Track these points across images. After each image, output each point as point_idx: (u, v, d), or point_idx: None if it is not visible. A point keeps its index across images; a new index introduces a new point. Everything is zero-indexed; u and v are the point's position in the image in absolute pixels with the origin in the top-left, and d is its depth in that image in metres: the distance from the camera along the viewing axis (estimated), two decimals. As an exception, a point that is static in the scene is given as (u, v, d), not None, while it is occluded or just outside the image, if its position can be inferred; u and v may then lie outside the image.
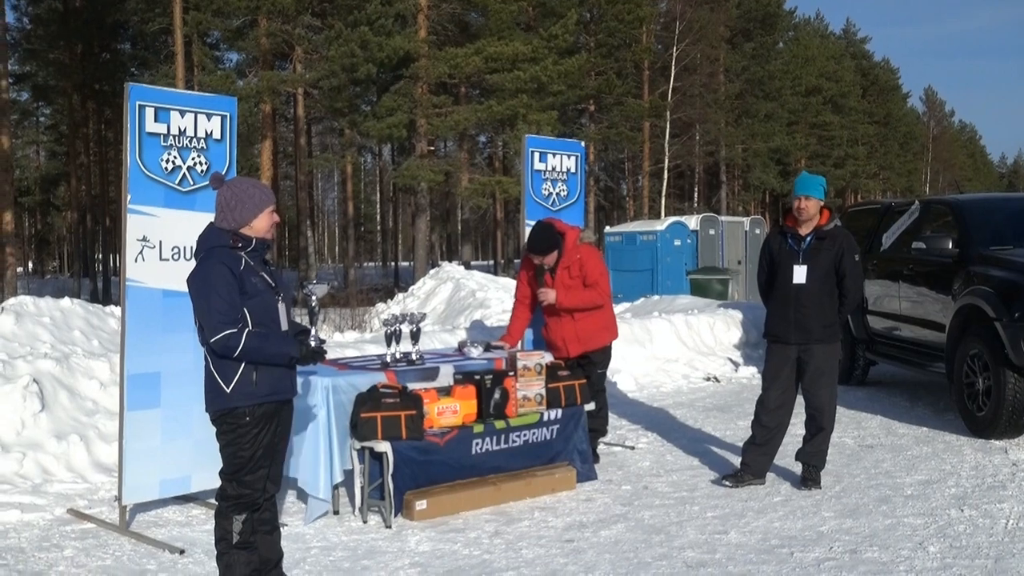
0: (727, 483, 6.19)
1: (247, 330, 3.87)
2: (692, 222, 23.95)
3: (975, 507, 5.67)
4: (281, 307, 4.08)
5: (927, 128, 77.07)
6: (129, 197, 5.31)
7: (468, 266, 24.73)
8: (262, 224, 4.06)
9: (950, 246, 8.31)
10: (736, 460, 6.80)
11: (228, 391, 3.95)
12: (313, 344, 4.14)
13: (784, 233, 6.18)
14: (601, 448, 7.05)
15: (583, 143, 8.67)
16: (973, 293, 7.77)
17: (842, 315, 6.23)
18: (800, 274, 5.99)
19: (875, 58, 68.57)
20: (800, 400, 6.21)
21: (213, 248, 4.02)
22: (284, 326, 4.07)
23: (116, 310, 9.84)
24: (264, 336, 3.93)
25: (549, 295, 6.48)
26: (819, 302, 5.99)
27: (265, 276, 4.05)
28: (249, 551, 4.07)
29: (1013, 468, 6.59)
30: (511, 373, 6.16)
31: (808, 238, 6.02)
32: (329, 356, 6.55)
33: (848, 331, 10.08)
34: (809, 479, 6.13)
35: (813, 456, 6.15)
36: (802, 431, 6.27)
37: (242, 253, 4.00)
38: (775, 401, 6.14)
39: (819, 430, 6.11)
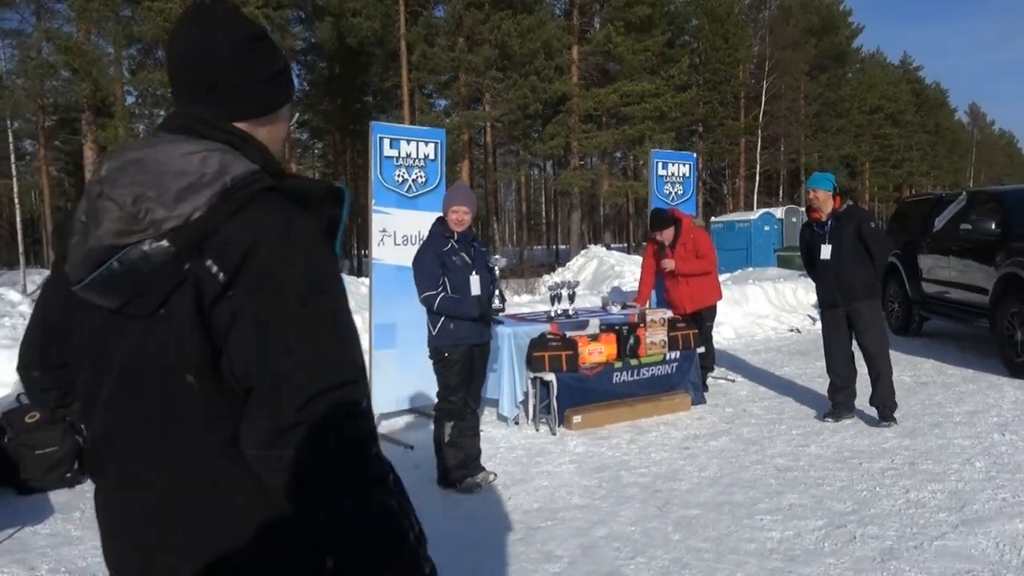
0: (829, 419, 5.60)
1: (442, 294, 4.03)
2: (779, 212, 22.97)
3: (1015, 432, 5.13)
4: (474, 278, 4.15)
5: (971, 136, 70.01)
6: (373, 202, 5.48)
7: (608, 247, 24.46)
8: (450, 217, 4.16)
9: (994, 227, 7.58)
10: (812, 392, 6.46)
11: (434, 334, 4.11)
12: (496, 302, 4.32)
13: (810, 225, 5.66)
14: (709, 381, 6.81)
15: (695, 155, 8.36)
16: (1013, 263, 7.05)
17: (876, 272, 5.48)
18: (826, 252, 5.46)
19: (927, 82, 62.62)
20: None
21: (431, 234, 4.23)
22: (475, 291, 4.14)
23: (366, 280, 10.23)
24: (456, 300, 4.05)
25: (669, 264, 6.34)
26: (852, 268, 5.36)
27: (465, 256, 4.15)
28: (456, 448, 4.19)
29: (1047, 403, 5.94)
30: (642, 324, 6.03)
31: (829, 222, 5.47)
32: (509, 312, 6.64)
33: (905, 293, 9.37)
34: (885, 418, 5.43)
35: (884, 399, 5.46)
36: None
37: (450, 239, 4.14)
38: (838, 356, 5.60)
39: (878, 376, 5.47)
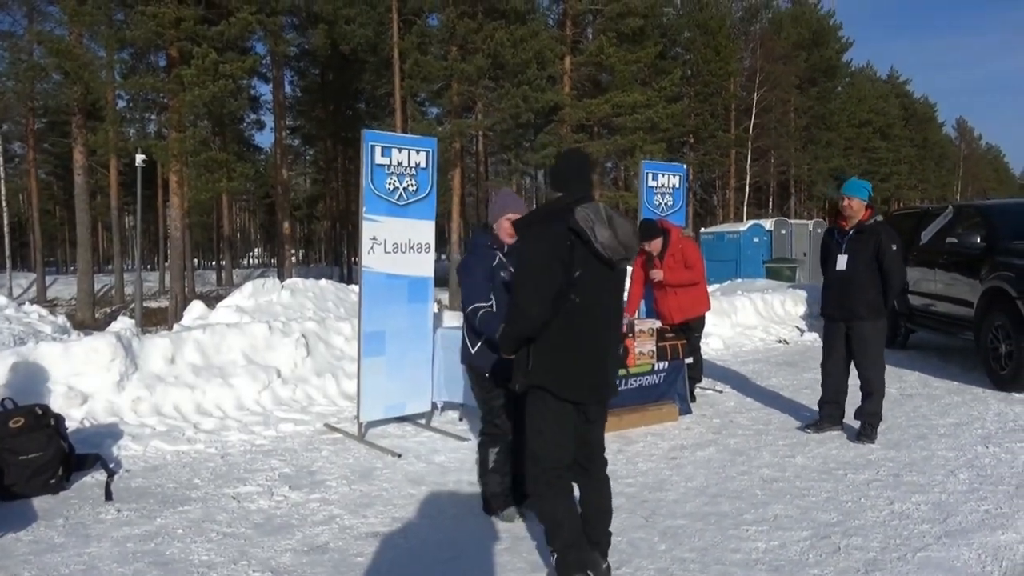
0: (809, 430, 5.54)
1: (485, 310, 3.67)
2: (768, 224, 23.08)
3: (998, 445, 5.18)
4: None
5: (959, 150, 70.59)
6: (364, 209, 5.47)
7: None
8: (500, 227, 3.78)
9: (979, 241, 7.64)
10: (799, 403, 6.49)
11: (473, 352, 3.80)
12: None
13: (832, 231, 5.53)
14: (697, 391, 6.84)
15: (685, 166, 8.41)
16: (998, 277, 7.11)
17: (888, 297, 5.25)
18: (842, 262, 5.32)
19: (915, 96, 63.06)
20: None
21: (476, 246, 3.86)
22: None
23: (355, 288, 10.13)
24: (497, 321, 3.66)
25: (658, 274, 6.36)
26: (862, 286, 5.22)
27: (513, 270, 3.71)
28: (502, 475, 3.89)
29: (1030, 416, 5.99)
30: (630, 335, 6.04)
31: (850, 232, 5.32)
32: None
33: (892, 306, 9.43)
34: (864, 434, 5.38)
35: (869, 416, 5.41)
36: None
37: (498, 253, 3.80)
38: (833, 365, 5.52)
39: (869, 395, 5.40)
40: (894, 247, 5.21)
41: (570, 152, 3.17)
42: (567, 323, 2.96)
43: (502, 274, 3.72)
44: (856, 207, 5.32)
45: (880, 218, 5.39)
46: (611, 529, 3.25)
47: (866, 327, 5.31)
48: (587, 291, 2.95)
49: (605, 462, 3.24)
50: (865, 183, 5.42)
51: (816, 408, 5.78)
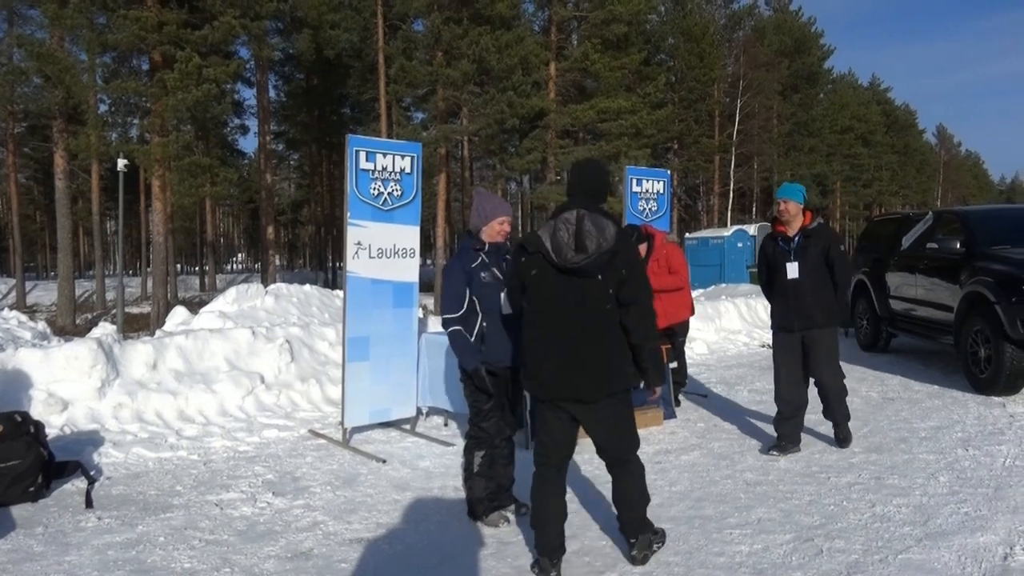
0: (775, 453, 5.19)
1: (456, 328, 3.70)
2: (751, 229, 23.30)
3: (978, 448, 5.23)
4: (503, 296, 3.69)
5: (939, 156, 71.46)
6: (348, 214, 5.47)
7: (584, 262, 24.48)
8: (491, 230, 3.85)
9: (958, 246, 7.73)
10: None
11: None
12: None
13: (775, 238, 5.21)
14: (681, 396, 6.87)
15: (669, 172, 8.47)
16: (977, 282, 7.19)
17: (839, 299, 5.11)
18: (793, 270, 5.06)
19: (896, 103, 63.76)
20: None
21: (460, 249, 3.89)
22: (507, 310, 3.65)
23: (340, 293, 10.11)
24: (464, 342, 3.72)
25: None
26: (815, 291, 5.02)
27: (496, 272, 3.80)
28: (487, 480, 3.88)
29: (1010, 419, 6.05)
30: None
31: (796, 238, 5.08)
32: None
33: (874, 310, 9.55)
34: (841, 437, 5.28)
35: (839, 416, 5.32)
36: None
37: (480, 252, 3.83)
38: (789, 380, 5.23)
39: (828, 406, 5.27)
40: (841, 248, 5.14)
41: (574, 163, 3.52)
42: (526, 327, 3.34)
43: (483, 274, 3.76)
44: (793, 210, 5.10)
45: (821, 220, 5.20)
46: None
47: (824, 334, 5.13)
48: (541, 299, 3.25)
49: (621, 461, 3.41)
50: (799, 186, 5.21)
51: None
